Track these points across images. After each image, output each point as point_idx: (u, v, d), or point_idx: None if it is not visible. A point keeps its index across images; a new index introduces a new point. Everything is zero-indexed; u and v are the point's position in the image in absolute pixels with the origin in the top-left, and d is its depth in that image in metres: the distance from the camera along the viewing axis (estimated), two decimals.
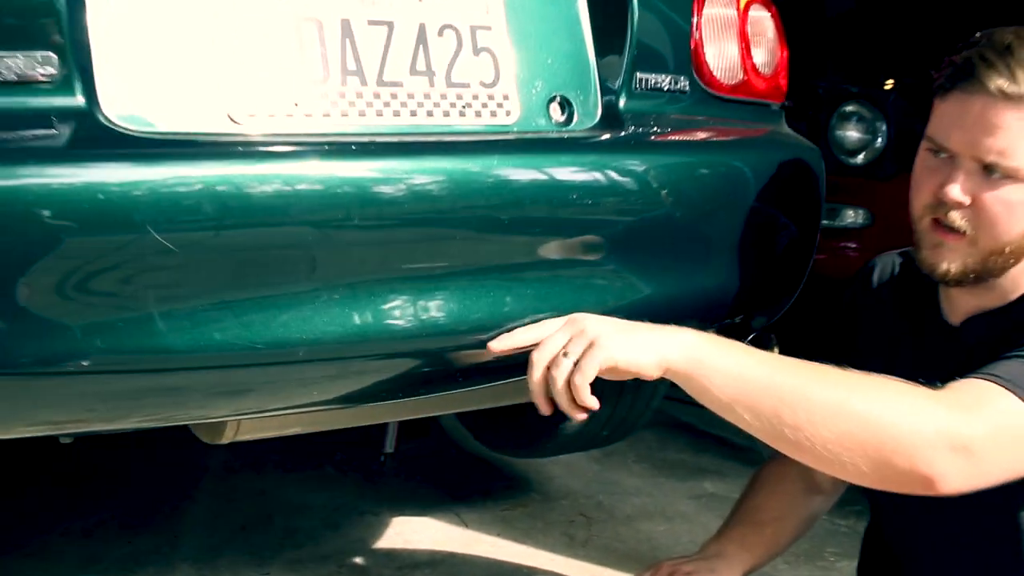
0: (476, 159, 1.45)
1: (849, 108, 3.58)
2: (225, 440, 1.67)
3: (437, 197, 1.41)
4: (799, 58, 2.12)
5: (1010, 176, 1.43)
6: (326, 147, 1.37)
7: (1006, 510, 1.52)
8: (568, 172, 1.53)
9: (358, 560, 2.48)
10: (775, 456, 1.81)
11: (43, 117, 1.23)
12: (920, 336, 1.65)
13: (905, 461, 1.31)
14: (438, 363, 1.54)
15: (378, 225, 1.37)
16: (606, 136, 1.63)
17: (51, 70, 1.23)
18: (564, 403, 1.41)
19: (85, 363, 1.26)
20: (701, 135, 1.75)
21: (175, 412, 1.49)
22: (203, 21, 1.35)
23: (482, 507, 2.79)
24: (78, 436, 2.04)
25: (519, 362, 1.47)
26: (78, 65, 1.25)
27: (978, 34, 1.49)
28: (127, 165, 1.25)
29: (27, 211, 1.16)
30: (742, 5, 1.83)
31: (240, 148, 1.32)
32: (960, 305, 1.59)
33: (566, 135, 1.59)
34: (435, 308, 1.44)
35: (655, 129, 1.69)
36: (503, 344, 1.49)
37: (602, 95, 1.65)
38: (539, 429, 2.49)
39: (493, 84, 1.54)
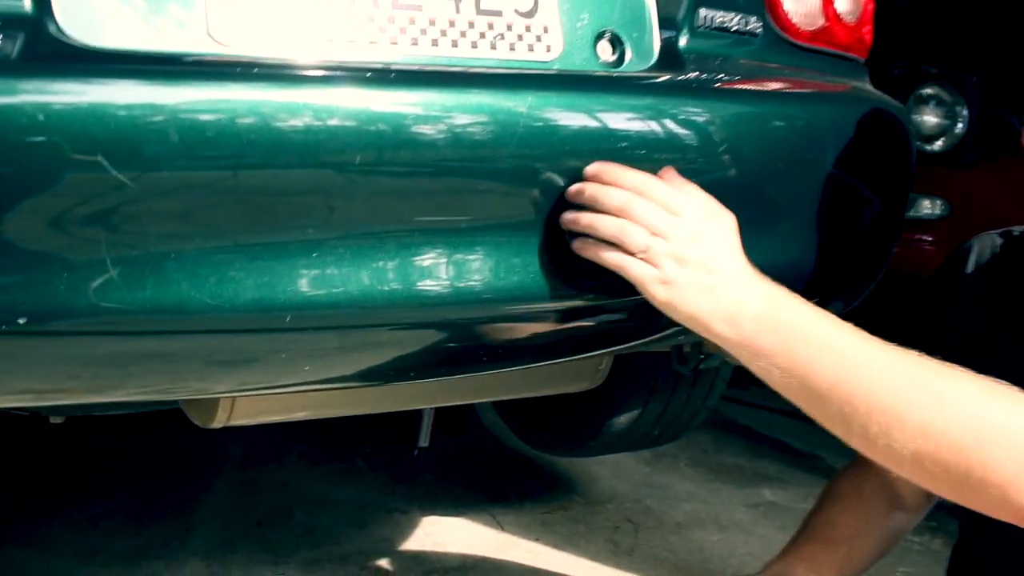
0: (508, 97, 1.24)
1: (927, 91, 3.39)
2: (218, 424, 1.50)
3: (458, 140, 1.21)
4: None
5: None
6: (327, 77, 1.17)
7: None
8: (618, 119, 1.32)
9: (382, 562, 2.33)
10: (850, 466, 1.65)
11: None
12: None
13: (997, 491, 1.12)
14: (460, 338, 1.34)
15: (383, 170, 1.18)
16: (663, 79, 1.41)
17: None
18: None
19: (62, 322, 1.10)
20: (773, 85, 1.52)
21: (170, 384, 1.32)
22: None
23: (520, 509, 2.63)
24: (68, 413, 1.88)
25: (562, 340, 1.29)
26: None
27: None
28: (84, 85, 1.04)
29: None
30: None
31: (222, 73, 1.12)
32: None
33: (616, 76, 1.37)
34: (456, 270, 1.25)
35: (720, 75, 1.47)
36: (597, 169, 1.28)
37: (660, 33, 1.42)
38: (586, 426, 2.31)
39: (531, 14, 1.33)
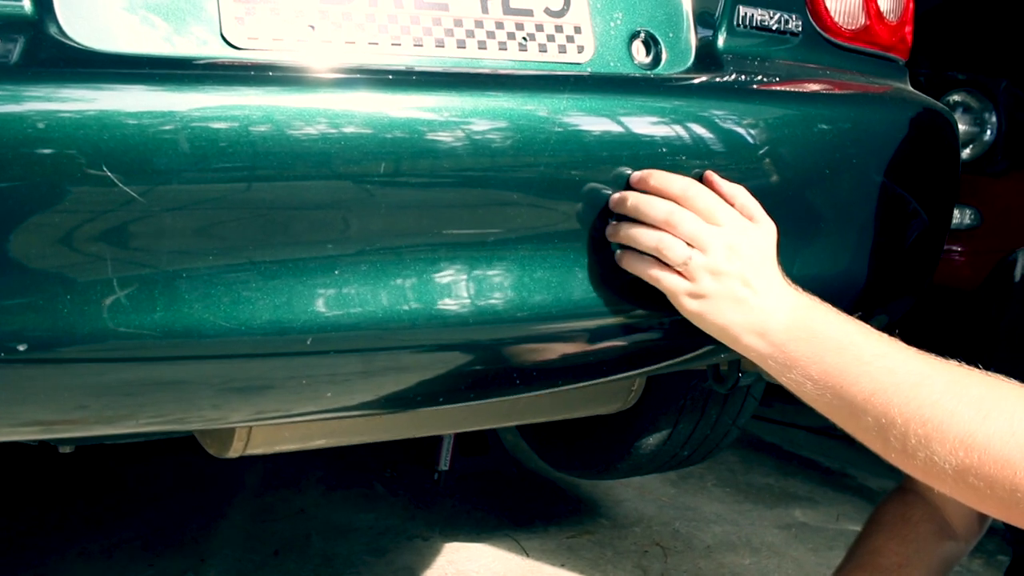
0: (540, 101, 1.16)
1: (955, 97, 3.32)
2: (234, 453, 1.42)
3: (487, 147, 1.13)
4: None
5: None
6: (349, 81, 1.10)
7: None
8: (655, 123, 1.24)
9: None
10: (896, 492, 1.55)
11: None
12: None
13: None
14: (492, 360, 1.26)
15: (408, 181, 1.10)
16: (702, 81, 1.33)
17: None
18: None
19: (66, 348, 1.03)
20: (816, 86, 1.44)
21: (184, 413, 1.23)
22: None
23: (544, 533, 2.55)
24: (79, 444, 1.81)
25: (598, 360, 1.25)
26: None
27: None
28: (88, 91, 0.97)
29: None
30: None
31: (236, 78, 1.04)
32: None
33: (652, 78, 1.29)
34: (486, 287, 1.17)
35: (760, 76, 1.39)
36: (640, 175, 1.22)
37: (696, 32, 1.35)
38: (613, 448, 2.23)
39: (561, 13, 1.25)
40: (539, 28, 1.24)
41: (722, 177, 1.25)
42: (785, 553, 2.53)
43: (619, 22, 1.30)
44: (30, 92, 0.95)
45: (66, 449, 1.82)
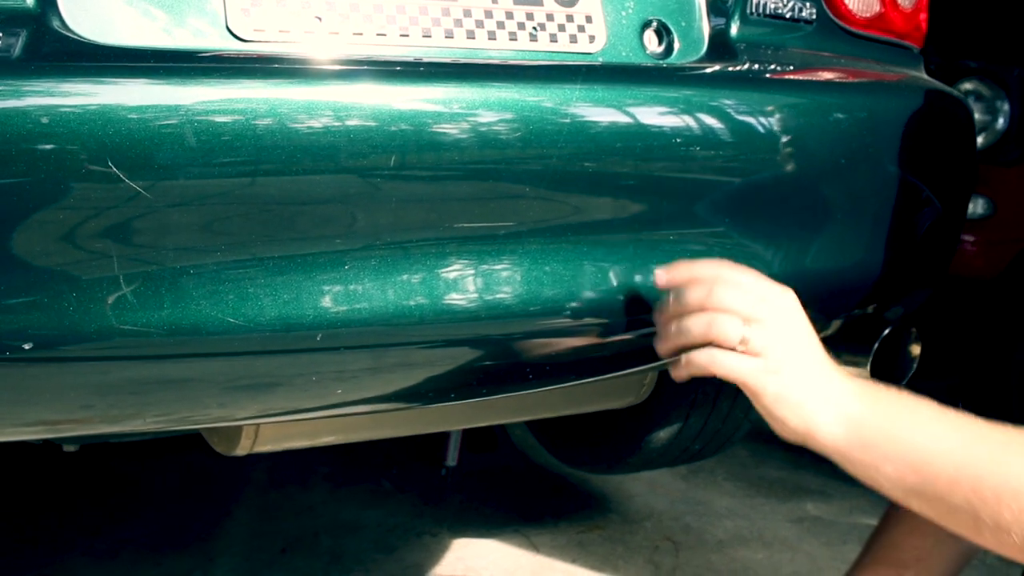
0: (550, 92, 1.14)
1: (967, 86, 3.28)
2: (241, 451, 1.40)
3: (497, 140, 1.12)
4: None
5: None
6: (355, 73, 1.08)
7: None
8: (669, 113, 1.22)
9: None
10: None
11: None
12: None
13: None
14: (503, 355, 1.24)
15: (418, 174, 1.08)
16: (714, 70, 1.31)
17: None
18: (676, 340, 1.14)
19: (71, 347, 1.02)
20: (832, 75, 1.42)
21: (190, 412, 1.22)
22: None
23: (555, 529, 2.53)
24: (83, 442, 1.79)
25: (611, 355, 1.23)
26: None
27: None
28: (92, 85, 0.95)
29: None
30: None
31: (242, 71, 1.02)
32: None
33: (665, 68, 1.27)
34: (499, 281, 1.15)
35: (775, 65, 1.38)
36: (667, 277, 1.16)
37: (709, 21, 1.33)
38: (624, 442, 2.21)
39: (573, 2, 1.24)
40: (550, 18, 1.22)
41: (739, 167, 1.23)
42: (798, 547, 2.51)
43: (630, 11, 1.28)
44: (33, 87, 0.94)
45: (70, 448, 1.81)
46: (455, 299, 1.15)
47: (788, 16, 1.41)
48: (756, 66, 1.35)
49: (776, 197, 1.34)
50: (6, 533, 2.34)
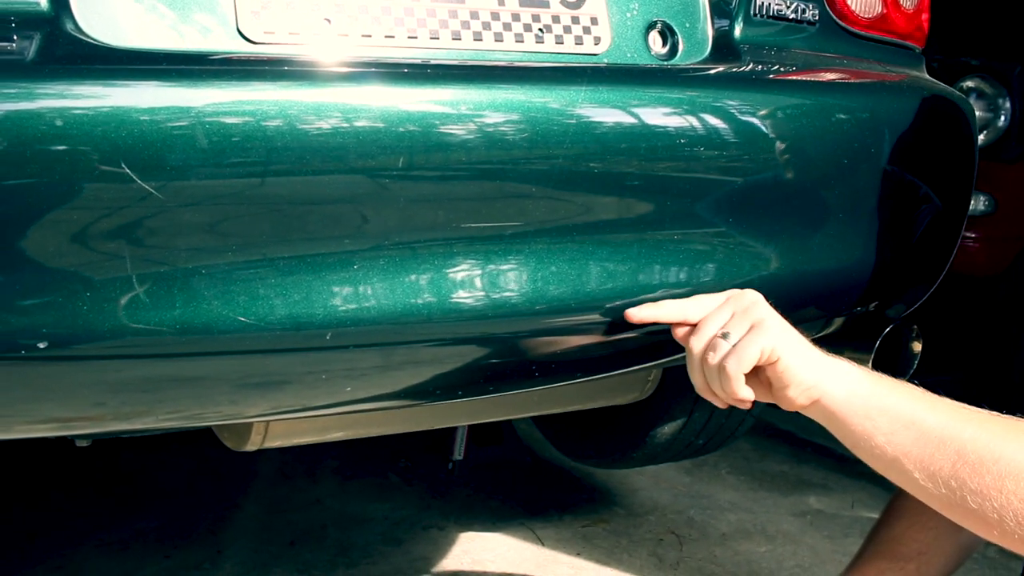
0: (556, 94, 1.16)
1: (968, 83, 3.28)
2: (252, 447, 1.42)
3: (505, 140, 1.13)
4: None
5: None
6: (365, 75, 1.09)
7: None
8: (672, 114, 1.23)
9: None
10: None
11: None
12: None
13: None
14: (510, 352, 1.25)
15: (427, 174, 1.10)
16: (719, 71, 1.32)
17: None
18: (719, 391, 1.22)
19: (85, 345, 1.03)
20: (835, 76, 1.44)
21: (201, 409, 1.24)
22: None
23: (560, 522, 2.54)
24: (95, 437, 1.81)
25: (617, 352, 1.24)
26: None
27: None
28: (105, 88, 0.96)
29: None
30: None
31: (253, 73, 1.04)
32: None
33: (670, 69, 1.29)
34: (506, 279, 1.16)
35: (778, 65, 1.39)
36: (644, 314, 1.25)
37: (713, 22, 1.34)
38: (629, 437, 2.22)
39: (578, 4, 1.25)
40: (556, 20, 1.23)
41: (743, 167, 1.25)
42: (800, 540, 2.52)
43: (635, 12, 1.29)
44: (47, 89, 0.95)
45: (83, 443, 1.82)
46: (463, 298, 1.16)
47: (791, 17, 1.42)
48: (760, 67, 1.37)
49: (779, 197, 1.35)
50: (17, 525, 2.36)
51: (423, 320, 1.14)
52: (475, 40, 1.18)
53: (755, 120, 1.29)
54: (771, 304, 1.22)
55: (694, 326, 1.24)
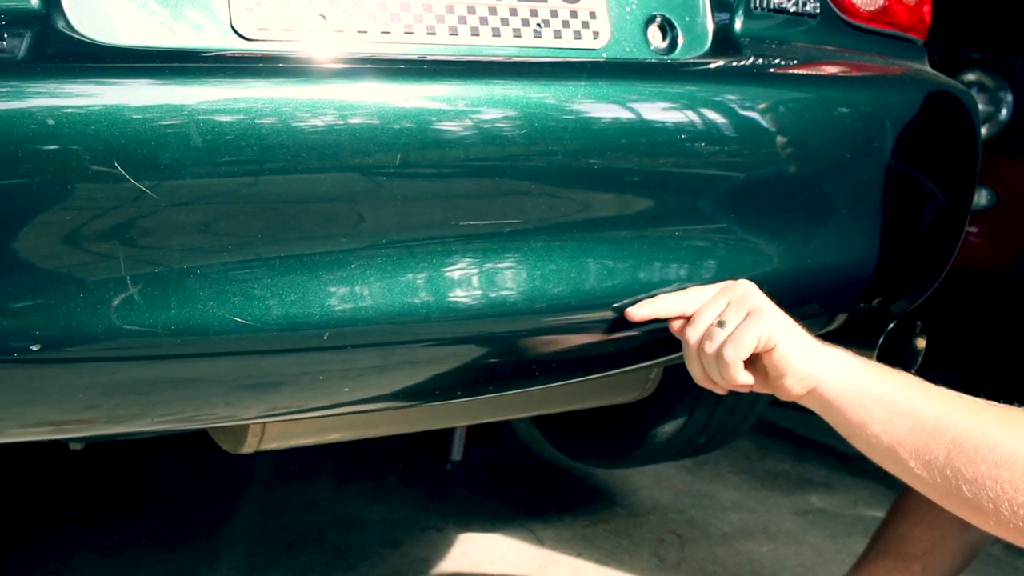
0: (555, 89, 1.14)
1: (970, 77, 3.27)
2: (248, 449, 1.40)
3: (503, 137, 1.11)
4: None
5: None
6: (360, 71, 1.07)
7: None
8: (672, 109, 1.21)
9: None
10: None
11: None
12: None
13: None
14: (509, 352, 1.24)
15: (423, 172, 1.08)
16: (719, 65, 1.31)
17: None
18: (718, 379, 1.23)
19: (78, 347, 1.02)
20: (836, 69, 1.42)
21: (196, 411, 1.22)
22: None
23: (559, 523, 2.52)
24: (89, 441, 1.79)
25: (617, 350, 1.23)
26: None
27: None
28: (97, 86, 0.95)
29: None
30: None
31: (247, 70, 1.02)
32: None
33: (670, 63, 1.27)
34: (505, 278, 1.15)
35: (779, 59, 1.37)
36: (644, 311, 1.26)
37: (713, 15, 1.32)
38: (629, 436, 2.21)
39: None
40: (554, 14, 1.21)
41: (744, 162, 1.24)
42: (803, 540, 2.50)
43: (634, 6, 1.27)
44: (38, 88, 0.94)
45: (76, 446, 1.81)
46: (461, 296, 1.15)
47: (792, 10, 1.41)
48: (760, 61, 1.35)
49: (781, 192, 1.34)
50: (12, 529, 2.34)
51: (421, 319, 1.13)
52: (472, 35, 1.17)
53: (756, 115, 1.27)
54: (773, 301, 1.20)
55: (689, 318, 1.23)
